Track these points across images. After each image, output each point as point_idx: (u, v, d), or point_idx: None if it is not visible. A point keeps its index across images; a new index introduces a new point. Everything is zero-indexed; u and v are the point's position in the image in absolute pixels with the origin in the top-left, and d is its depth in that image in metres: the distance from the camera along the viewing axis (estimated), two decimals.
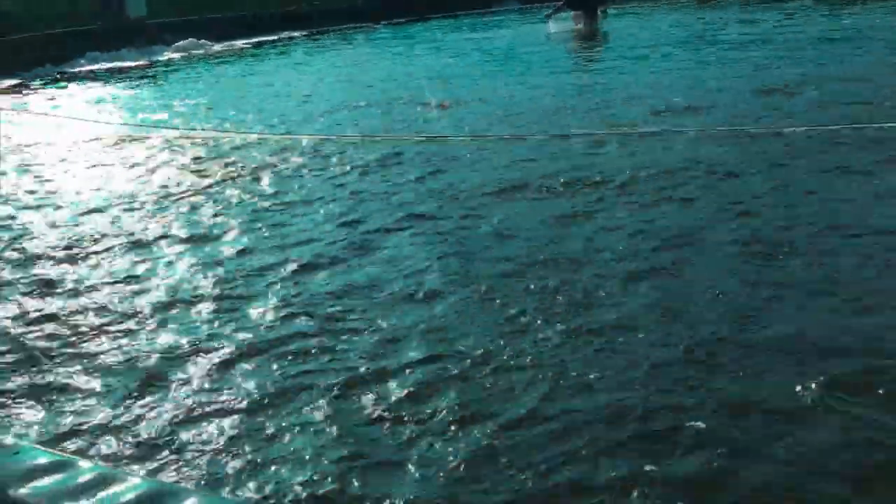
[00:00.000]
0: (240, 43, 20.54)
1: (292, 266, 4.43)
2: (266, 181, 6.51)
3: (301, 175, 6.63)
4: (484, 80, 11.37)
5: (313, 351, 3.39)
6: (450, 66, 13.46)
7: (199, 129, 9.17)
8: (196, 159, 7.63)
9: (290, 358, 3.35)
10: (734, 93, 8.41)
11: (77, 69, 17.29)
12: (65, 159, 8.19)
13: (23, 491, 1.26)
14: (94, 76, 16.18)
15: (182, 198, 6.18)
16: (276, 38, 21.50)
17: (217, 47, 19.75)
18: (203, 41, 19.89)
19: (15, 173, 7.65)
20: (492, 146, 6.95)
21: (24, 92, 14.35)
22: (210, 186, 6.49)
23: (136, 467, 2.50)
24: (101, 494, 1.26)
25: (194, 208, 5.88)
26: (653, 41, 13.78)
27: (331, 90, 11.90)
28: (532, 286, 3.85)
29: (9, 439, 1.41)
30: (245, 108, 10.58)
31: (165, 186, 6.57)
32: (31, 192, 6.82)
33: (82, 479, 1.30)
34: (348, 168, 6.68)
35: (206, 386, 3.16)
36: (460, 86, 10.99)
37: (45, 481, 1.29)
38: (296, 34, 22.14)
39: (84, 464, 1.36)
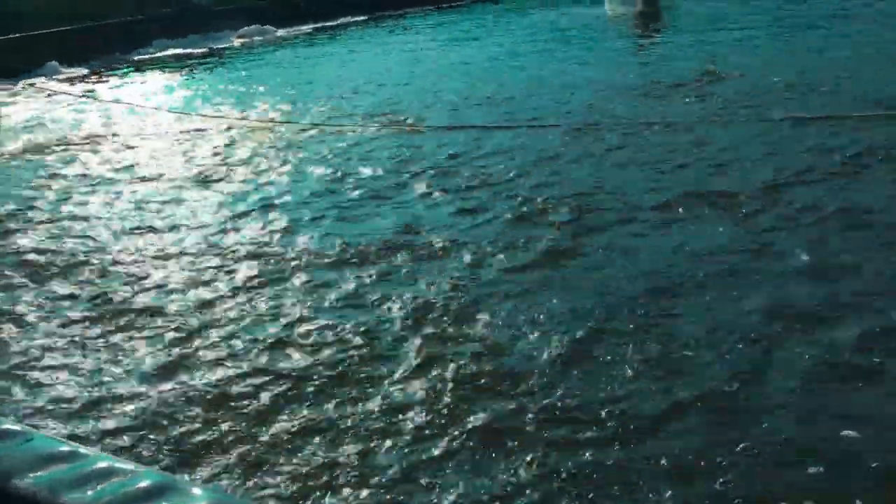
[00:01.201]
0: (305, 28, 20.68)
1: None
2: None
3: None
4: None
5: None
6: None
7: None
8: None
9: None
10: None
11: (147, 56, 17.70)
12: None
13: (33, 478, 1.25)
14: (164, 63, 16.55)
15: None
16: (335, 23, 21.54)
17: (280, 32, 19.94)
18: (267, 27, 20.11)
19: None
20: None
21: (96, 79, 14.85)
22: None
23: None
24: (109, 485, 1.23)
25: None
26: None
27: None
28: None
29: (20, 427, 1.40)
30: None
31: None
32: None
33: (92, 468, 1.28)
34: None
35: None
36: None
37: (57, 469, 1.28)
38: (357, 18, 22.16)
39: (95, 453, 1.34)
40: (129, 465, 1.30)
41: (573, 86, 9.82)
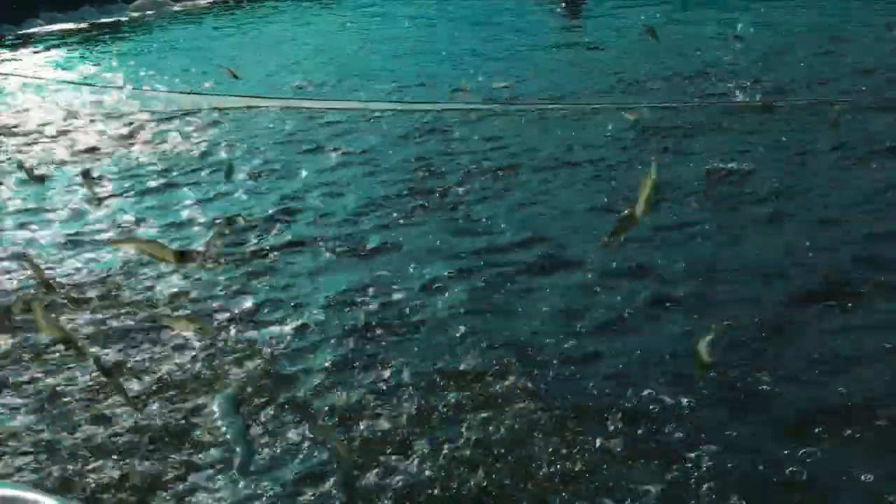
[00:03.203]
0: (202, 1, 20.34)
1: None
2: None
3: None
4: None
5: None
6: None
7: None
8: None
9: None
10: None
11: (35, 29, 17.14)
12: None
13: None
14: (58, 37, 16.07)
15: None
16: None
17: (177, 7, 19.60)
18: None
19: None
20: None
21: None
22: None
23: None
24: None
25: None
26: None
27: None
28: None
29: None
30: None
31: None
32: None
33: None
34: None
35: None
36: None
37: None
38: None
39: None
40: None
41: None
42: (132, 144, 8.40)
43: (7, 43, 15.58)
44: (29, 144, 8.65)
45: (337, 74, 10.83)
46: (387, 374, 3.99)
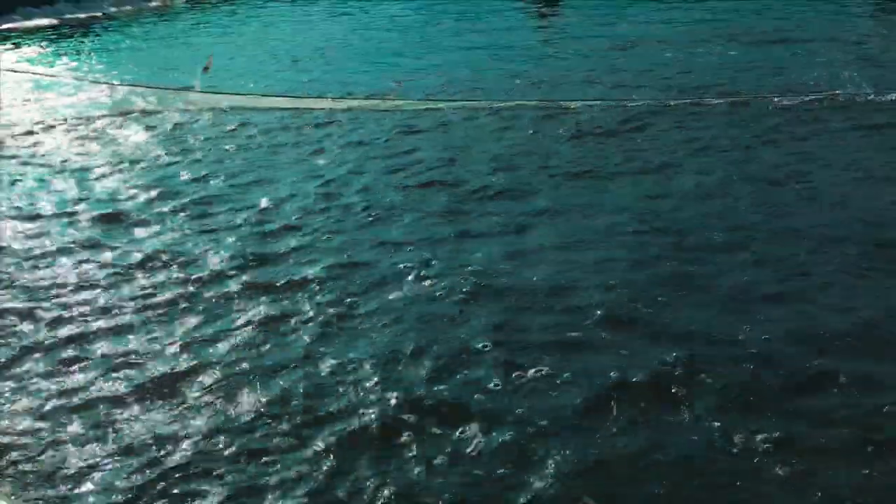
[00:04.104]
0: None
1: None
2: None
3: None
4: None
5: None
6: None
7: None
8: None
9: None
10: None
11: (13, 25, 17.30)
12: None
13: None
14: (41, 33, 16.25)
15: None
16: None
17: (154, 3, 19.84)
18: None
19: None
20: None
21: None
22: None
23: None
24: None
25: None
26: None
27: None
28: None
29: None
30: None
31: None
32: None
33: None
34: None
35: None
36: None
37: None
38: None
39: None
40: None
41: None
42: None
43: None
44: None
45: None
46: None
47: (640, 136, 7.84)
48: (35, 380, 4.21)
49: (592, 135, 7.94)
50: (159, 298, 5.03)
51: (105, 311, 4.92)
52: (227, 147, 8.33)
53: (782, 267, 5.09)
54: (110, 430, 3.78)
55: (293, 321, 4.69)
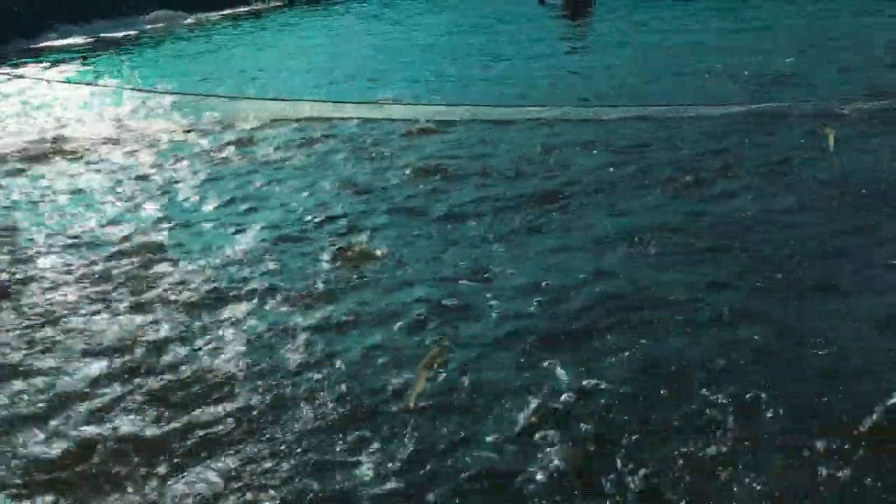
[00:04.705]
0: (214, 15, 20.23)
1: None
2: None
3: None
4: None
5: None
6: None
7: None
8: None
9: None
10: None
11: (50, 43, 16.84)
12: None
13: None
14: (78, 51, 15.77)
15: None
16: (248, 8, 21.20)
17: (190, 20, 19.47)
18: (179, 12, 19.62)
19: None
20: None
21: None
22: None
23: None
24: None
25: None
26: None
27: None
28: None
29: None
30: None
31: None
32: None
33: None
34: None
35: None
36: None
37: None
38: (275, 4, 21.87)
39: None
40: None
41: None
42: None
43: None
44: None
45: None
46: None
47: None
48: None
49: None
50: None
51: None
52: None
53: None
54: None
55: None
